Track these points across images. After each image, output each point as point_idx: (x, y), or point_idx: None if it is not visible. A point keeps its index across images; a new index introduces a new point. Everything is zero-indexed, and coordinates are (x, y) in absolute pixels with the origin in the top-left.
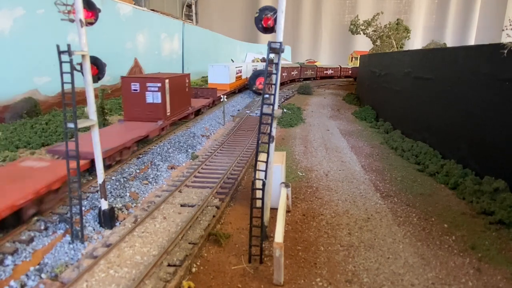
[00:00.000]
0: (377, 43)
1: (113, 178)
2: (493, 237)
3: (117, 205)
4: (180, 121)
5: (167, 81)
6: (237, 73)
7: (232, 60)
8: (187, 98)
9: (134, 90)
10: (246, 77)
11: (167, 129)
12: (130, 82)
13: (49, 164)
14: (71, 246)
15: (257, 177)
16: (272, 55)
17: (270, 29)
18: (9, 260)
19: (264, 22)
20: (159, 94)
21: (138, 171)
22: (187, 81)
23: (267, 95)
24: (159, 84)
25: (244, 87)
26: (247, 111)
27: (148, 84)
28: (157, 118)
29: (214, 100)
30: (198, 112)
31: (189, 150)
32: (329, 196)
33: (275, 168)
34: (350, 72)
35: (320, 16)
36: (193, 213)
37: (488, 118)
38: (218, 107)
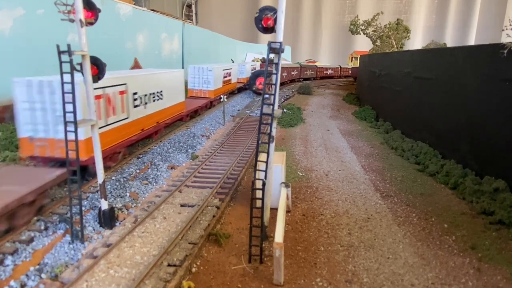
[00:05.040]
0: (377, 43)
1: (113, 178)
2: (493, 237)
3: (117, 205)
4: (180, 121)
5: None
6: None
7: (232, 60)
8: None
9: None
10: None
11: None
12: None
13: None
14: (71, 246)
15: (257, 177)
16: (272, 55)
17: (270, 29)
18: (9, 260)
19: (264, 22)
20: None
21: (138, 171)
22: None
23: (267, 95)
24: None
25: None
26: (247, 111)
27: None
28: None
29: None
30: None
31: (189, 150)
32: (329, 196)
33: (275, 168)
34: (350, 72)
35: (320, 16)
36: (193, 213)
37: (488, 118)
38: (218, 107)
